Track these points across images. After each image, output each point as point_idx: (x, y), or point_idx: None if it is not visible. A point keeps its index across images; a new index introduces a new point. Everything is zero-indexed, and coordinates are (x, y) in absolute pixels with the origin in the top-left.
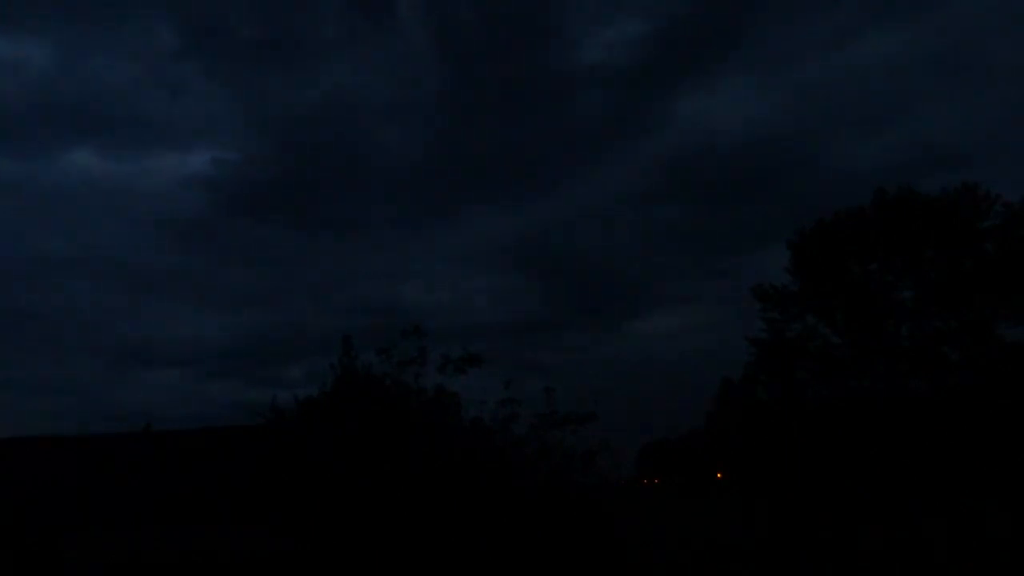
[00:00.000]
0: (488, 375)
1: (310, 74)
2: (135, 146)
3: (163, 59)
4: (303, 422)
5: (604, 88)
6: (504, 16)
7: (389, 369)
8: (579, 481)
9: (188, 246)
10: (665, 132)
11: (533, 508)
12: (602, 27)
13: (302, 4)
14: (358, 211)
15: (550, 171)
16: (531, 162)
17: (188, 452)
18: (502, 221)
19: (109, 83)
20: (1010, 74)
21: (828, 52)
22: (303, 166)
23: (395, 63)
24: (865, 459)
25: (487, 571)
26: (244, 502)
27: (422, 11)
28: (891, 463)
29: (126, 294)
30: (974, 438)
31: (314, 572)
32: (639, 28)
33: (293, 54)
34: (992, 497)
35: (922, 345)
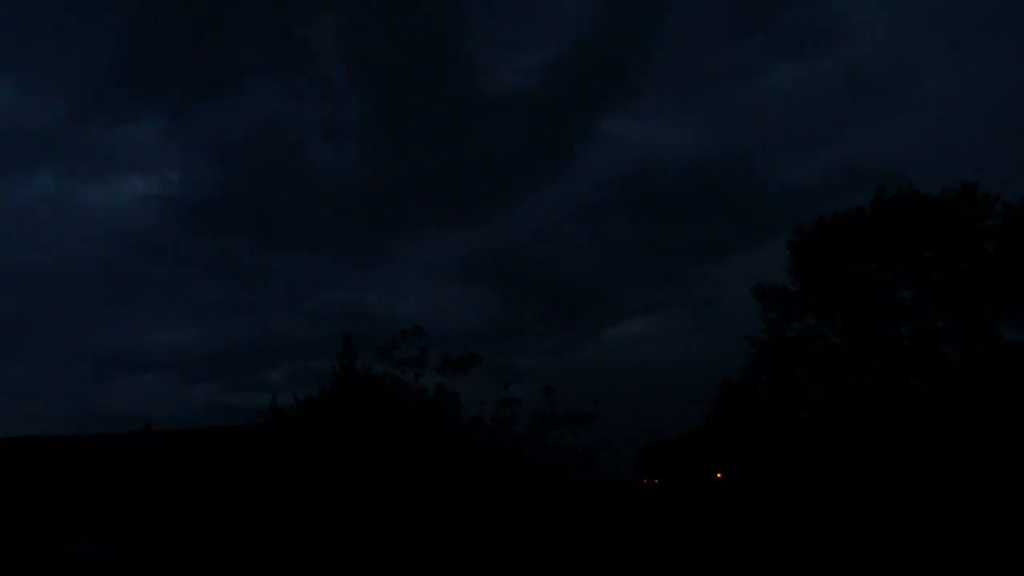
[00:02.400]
0: (468, 377)
1: (238, 100)
2: (89, 169)
3: (104, 88)
4: (303, 422)
5: (527, 112)
6: (416, 46)
7: (389, 369)
8: (579, 481)
9: (152, 259)
10: (598, 153)
11: (532, 507)
12: (513, 55)
13: (224, 35)
14: (309, 226)
15: (494, 190)
16: (472, 181)
17: (188, 452)
18: (455, 237)
19: (57, 113)
20: (926, 97)
21: (744, 81)
22: (249, 185)
23: (317, 90)
24: (865, 459)
25: (486, 569)
26: (243, 502)
27: (338, 42)
28: (891, 463)
29: (99, 303)
30: (974, 438)
31: (313, 572)
32: (548, 56)
33: (220, 81)
34: (992, 497)
35: (922, 345)
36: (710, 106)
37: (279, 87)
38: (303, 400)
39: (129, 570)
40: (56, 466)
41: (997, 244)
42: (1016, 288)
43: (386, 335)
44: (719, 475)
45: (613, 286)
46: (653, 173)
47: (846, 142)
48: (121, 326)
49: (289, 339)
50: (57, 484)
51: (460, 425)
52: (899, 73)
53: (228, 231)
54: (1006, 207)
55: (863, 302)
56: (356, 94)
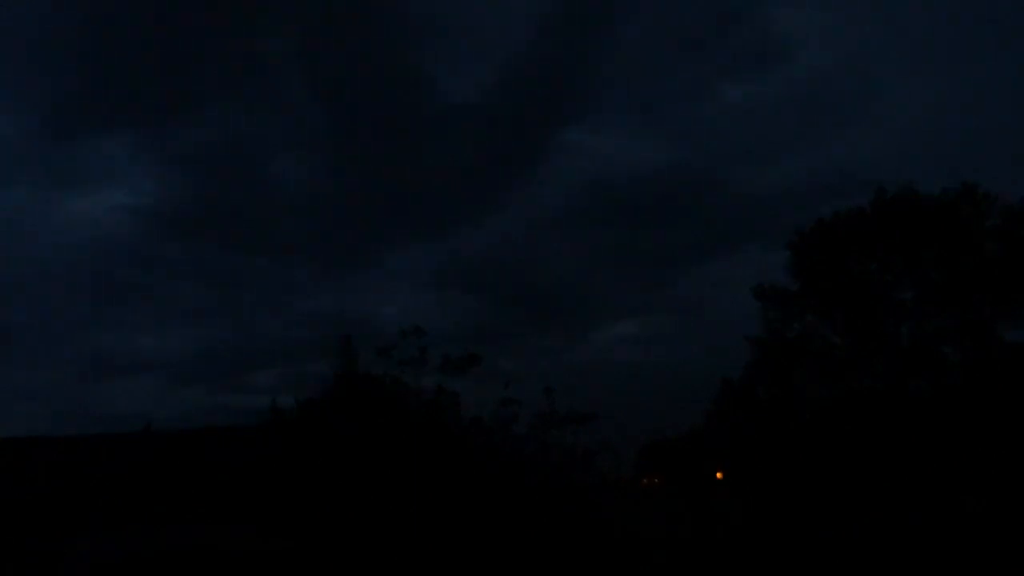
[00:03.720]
0: (466, 378)
1: (202, 115)
2: (63, 182)
3: (73, 105)
4: (304, 422)
5: (483, 124)
6: (368, 61)
7: (389, 369)
8: (579, 481)
9: (131, 266)
10: (562, 164)
11: (532, 507)
12: (463, 70)
13: (185, 54)
14: (284, 235)
15: (463, 199)
16: (440, 191)
17: (188, 452)
18: (431, 245)
19: (30, 128)
20: (877, 108)
21: (697, 97)
22: (221, 196)
23: (277, 105)
24: (865, 459)
25: (487, 569)
26: (243, 502)
27: (293, 58)
28: (891, 463)
29: (83, 309)
30: (974, 438)
31: (313, 572)
32: (498, 72)
33: (184, 97)
34: (992, 497)
35: (922, 345)
36: (667, 121)
37: (240, 102)
38: (303, 400)
39: (129, 570)
40: (56, 466)
41: (997, 244)
42: (1016, 288)
43: (370, 339)
44: (719, 475)
45: (595, 290)
46: (622, 183)
47: (805, 153)
48: (106, 330)
49: (273, 343)
50: (57, 484)
51: (460, 425)
52: (849, 87)
53: (204, 239)
54: (1006, 207)
55: (863, 302)
56: (315, 109)
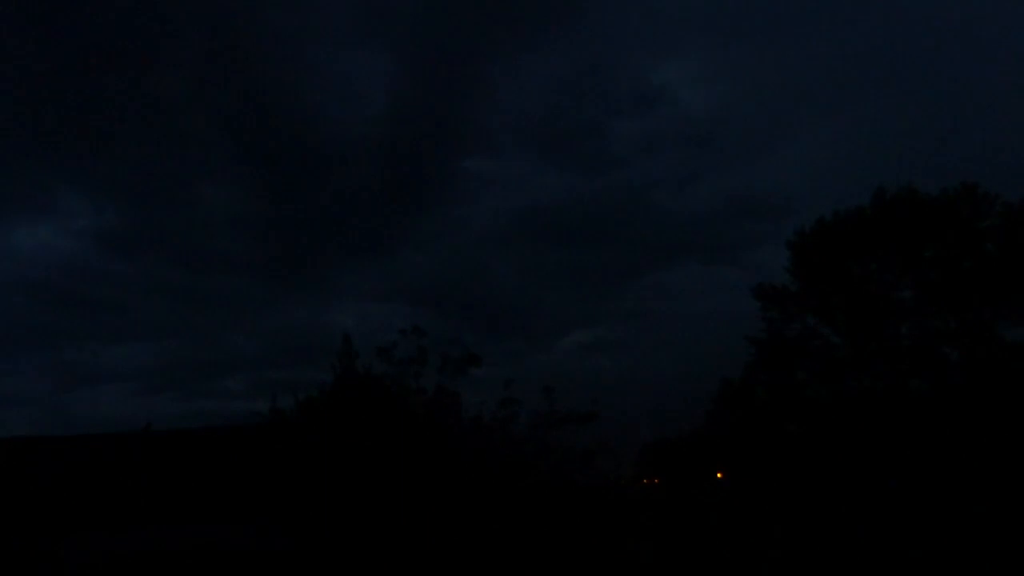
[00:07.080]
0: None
1: (121, 150)
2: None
3: (5, 140)
4: (303, 422)
5: (385, 156)
6: (259, 99)
7: (390, 369)
8: (579, 480)
9: (89, 285)
10: (475, 191)
11: (532, 507)
12: (350, 106)
13: (89, 95)
14: (229, 254)
15: (391, 223)
16: (364, 216)
17: (188, 452)
18: (372, 266)
19: None
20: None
21: (590, 134)
22: (159, 218)
23: (176, 143)
24: (865, 459)
25: (487, 569)
26: (243, 502)
27: (194, 98)
28: (891, 463)
29: (47, 323)
30: (974, 438)
31: (313, 572)
32: (384, 109)
33: (90, 135)
34: (993, 497)
35: (922, 345)
36: (566, 155)
37: (153, 137)
38: (303, 400)
39: (129, 570)
40: (56, 466)
41: (997, 244)
42: (1016, 288)
43: (328, 350)
44: (719, 475)
45: (547, 304)
46: (543, 208)
47: (710, 180)
48: (73, 343)
49: (235, 353)
50: (57, 484)
51: (460, 425)
52: (732, 124)
53: (149, 260)
54: (1006, 207)
55: (863, 302)
56: (221, 144)
